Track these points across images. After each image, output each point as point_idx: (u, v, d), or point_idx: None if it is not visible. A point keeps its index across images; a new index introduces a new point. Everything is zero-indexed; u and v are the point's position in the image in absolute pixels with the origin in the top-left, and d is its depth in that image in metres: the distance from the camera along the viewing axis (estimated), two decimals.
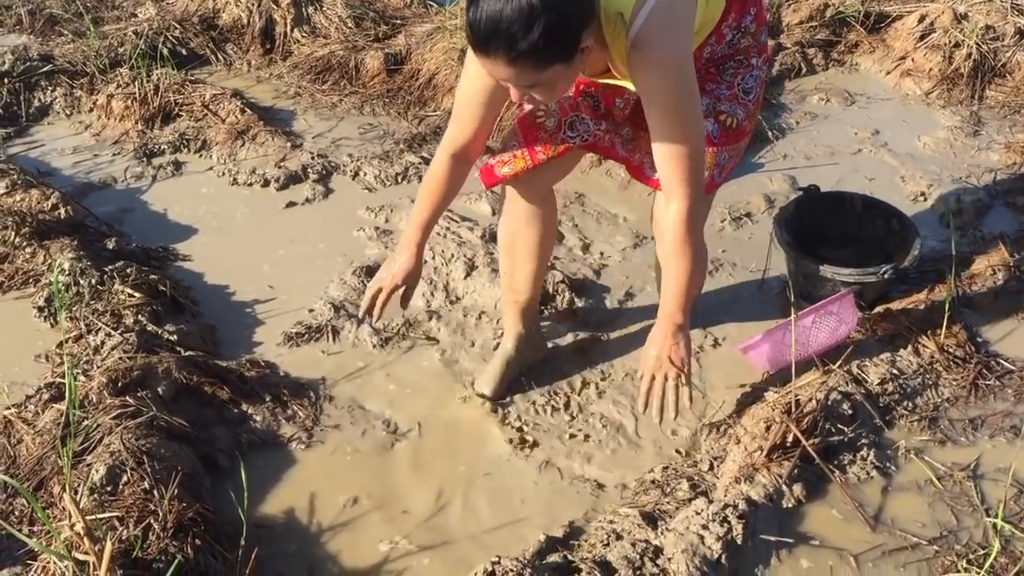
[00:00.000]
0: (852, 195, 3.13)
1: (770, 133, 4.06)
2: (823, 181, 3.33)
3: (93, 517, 1.99)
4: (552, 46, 1.81)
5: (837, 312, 2.54)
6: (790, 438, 2.19)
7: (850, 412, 2.30)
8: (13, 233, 3.28)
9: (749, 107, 2.34)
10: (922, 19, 4.68)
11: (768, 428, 2.22)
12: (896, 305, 2.85)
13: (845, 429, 2.26)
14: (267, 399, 2.67)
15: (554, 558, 2.02)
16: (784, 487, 2.13)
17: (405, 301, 2.41)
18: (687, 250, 2.13)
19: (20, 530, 2.20)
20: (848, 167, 3.84)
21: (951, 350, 2.61)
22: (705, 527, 1.98)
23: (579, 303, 2.99)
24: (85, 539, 1.68)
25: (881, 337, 2.65)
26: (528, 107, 2.31)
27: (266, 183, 3.97)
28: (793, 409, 2.22)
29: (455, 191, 2.39)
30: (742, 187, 3.71)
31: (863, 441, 2.26)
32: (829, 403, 2.29)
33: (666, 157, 2.03)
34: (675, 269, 2.17)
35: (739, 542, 1.97)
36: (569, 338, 2.87)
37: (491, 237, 3.28)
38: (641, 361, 2.29)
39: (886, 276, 2.72)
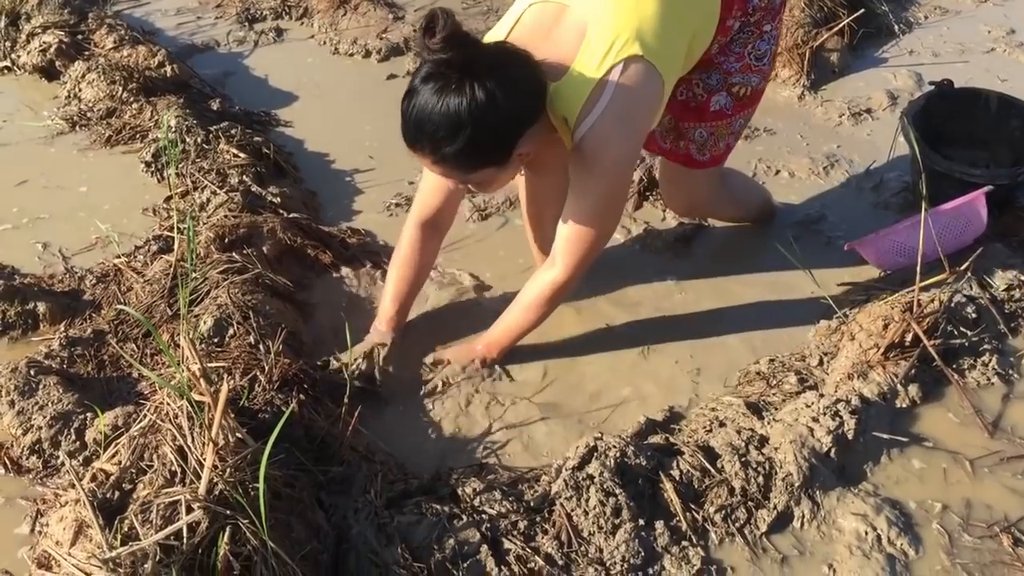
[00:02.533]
0: (987, 93, 2.92)
1: (896, 27, 3.82)
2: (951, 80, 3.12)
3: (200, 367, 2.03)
4: (478, 155, 1.78)
5: (967, 213, 2.40)
6: (909, 337, 2.10)
7: (974, 316, 2.19)
8: (121, 88, 3.30)
9: (764, 70, 2.23)
10: None
11: (886, 326, 2.13)
12: None
13: (968, 333, 2.15)
14: (368, 265, 2.66)
15: (656, 439, 2.00)
16: (899, 386, 2.05)
17: (384, 367, 2.25)
18: (540, 311, 2.18)
19: (129, 374, 2.27)
20: (979, 66, 3.61)
21: None
22: (815, 420, 1.92)
23: None
24: (202, 380, 1.70)
25: (1009, 242, 2.51)
26: None
27: (367, 54, 3.91)
28: (914, 309, 2.12)
29: (429, 263, 2.36)
30: (863, 82, 3.52)
31: (985, 347, 2.16)
32: (952, 305, 2.18)
33: (567, 232, 2.02)
34: (520, 317, 2.21)
35: (850, 437, 1.91)
36: None
37: None
38: (450, 350, 2.32)
39: (1021, 179, 2.55)
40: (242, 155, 2.95)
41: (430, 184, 2.22)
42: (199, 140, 3.00)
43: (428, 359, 2.31)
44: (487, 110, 1.71)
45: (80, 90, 3.45)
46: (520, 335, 2.26)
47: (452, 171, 1.85)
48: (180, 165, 2.91)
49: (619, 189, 2.02)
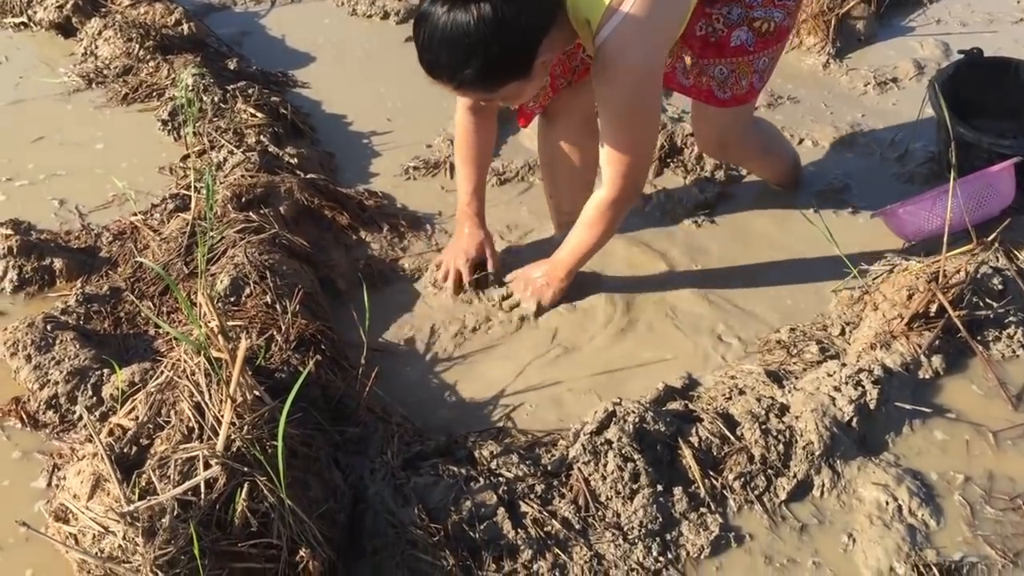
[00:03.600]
0: (1017, 62, 2.87)
1: None
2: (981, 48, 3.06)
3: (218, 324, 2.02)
4: (498, 72, 1.76)
5: (994, 184, 2.36)
6: (933, 308, 2.07)
7: (1000, 288, 2.15)
8: (138, 46, 3.27)
9: (788, 5, 2.16)
10: None
11: (911, 296, 2.10)
12: None
13: (993, 304, 2.12)
14: (385, 229, 2.64)
15: (674, 406, 1.98)
16: (923, 357, 2.02)
17: (493, 269, 2.39)
18: (599, 227, 2.18)
19: (146, 331, 2.26)
20: (1008, 37, 3.54)
21: None
22: (837, 389, 1.90)
23: (708, 158, 2.85)
24: (220, 337, 1.68)
25: None
26: None
27: (386, 16, 3.87)
28: (940, 279, 2.09)
29: (490, 142, 2.37)
30: (890, 50, 3.46)
31: (1011, 319, 2.12)
32: (979, 276, 2.14)
33: (610, 154, 2.01)
34: (582, 236, 2.22)
35: (872, 407, 1.88)
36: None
37: None
38: (519, 272, 2.39)
39: None
40: (259, 115, 2.93)
41: None
42: (216, 99, 2.97)
43: (494, 288, 2.38)
44: (498, 26, 1.68)
45: (96, 47, 3.43)
46: (583, 255, 2.26)
47: (476, 92, 1.85)
48: (197, 124, 2.89)
49: (645, 95, 1.94)
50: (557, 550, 1.66)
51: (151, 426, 1.70)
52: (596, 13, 1.80)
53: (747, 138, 2.49)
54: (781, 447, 1.82)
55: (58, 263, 2.37)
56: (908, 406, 1.92)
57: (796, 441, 1.83)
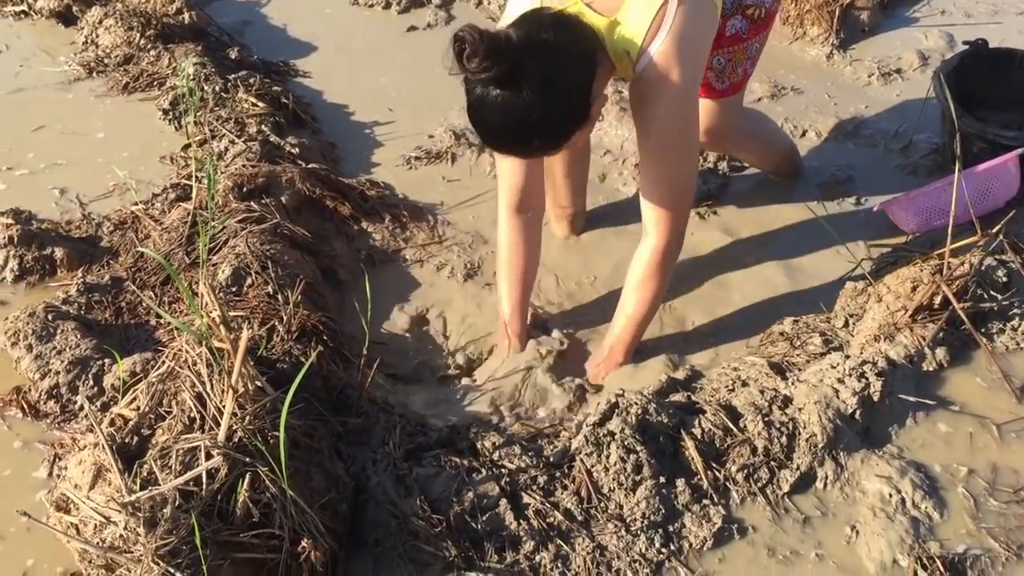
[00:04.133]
0: (1023, 53, 2.85)
1: None
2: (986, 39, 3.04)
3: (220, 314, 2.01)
4: (563, 131, 1.72)
5: (999, 175, 2.35)
6: (937, 300, 2.06)
7: (1004, 280, 2.14)
8: (138, 34, 3.26)
9: None
10: None
11: (915, 288, 2.09)
12: None
13: (998, 296, 2.11)
14: (386, 219, 2.63)
15: (677, 398, 1.97)
16: (927, 349, 2.01)
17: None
18: (652, 285, 2.07)
19: (147, 321, 2.26)
20: (1013, 28, 3.52)
21: None
22: (841, 381, 1.89)
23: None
24: (221, 327, 1.68)
25: None
26: None
27: (387, 5, 3.85)
28: (944, 271, 2.08)
29: (538, 253, 2.24)
30: (893, 41, 3.44)
31: (1015, 311, 2.11)
32: (983, 269, 2.13)
33: (652, 191, 1.95)
34: (635, 302, 2.10)
35: (875, 399, 1.88)
36: None
37: None
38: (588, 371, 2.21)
39: None
40: (260, 104, 2.92)
41: (512, 163, 2.07)
42: (217, 88, 2.96)
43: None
44: (551, 94, 1.64)
45: (97, 36, 3.41)
46: (640, 324, 2.13)
47: (546, 153, 1.81)
48: (198, 113, 2.88)
49: (689, 114, 1.90)
50: (559, 541, 1.66)
51: (152, 416, 1.69)
52: (634, 45, 1.78)
53: (743, 125, 2.49)
54: (784, 439, 1.82)
55: (59, 252, 2.36)
56: (912, 398, 1.92)
57: (799, 433, 1.82)
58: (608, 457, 1.75)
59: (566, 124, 1.72)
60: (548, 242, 2.33)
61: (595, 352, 2.23)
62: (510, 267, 2.19)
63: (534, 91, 1.62)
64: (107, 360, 2.00)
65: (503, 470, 1.76)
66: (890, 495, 1.74)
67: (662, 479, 1.74)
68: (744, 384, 2.00)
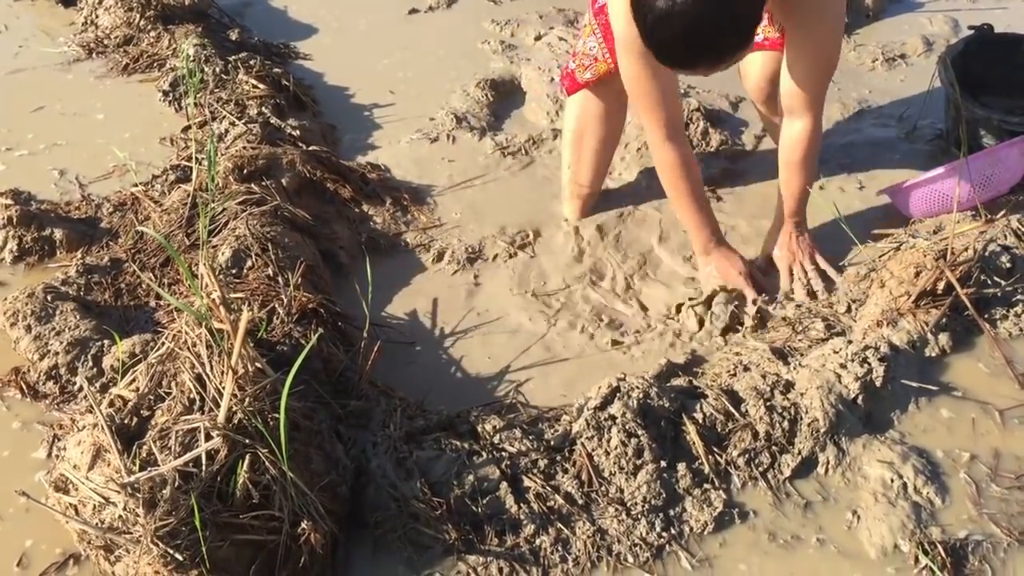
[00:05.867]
0: None
1: None
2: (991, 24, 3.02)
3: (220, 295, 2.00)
4: (750, 29, 1.73)
5: (1004, 161, 2.34)
6: (941, 286, 2.05)
7: (1008, 266, 2.13)
8: (138, 15, 3.24)
9: None
10: None
11: (918, 274, 2.08)
12: None
13: (1001, 282, 2.10)
14: (387, 202, 2.62)
15: (679, 382, 1.97)
16: (930, 335, 2.01)
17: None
18: (811, 164, 2.22)
19: (146, 303, 2.25)
20: (1018, 13, 3.50)
21: None
22: (843, 366, 1.88)
23: (714, 134, 2.83)
24: (221, 308, 1.67)
25: None
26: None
27: None
28: (947, 256, 2.07)
29: (697, 166, 2.28)
30: (898, 26, 3.42)
31: (1019, 297, 2.10)
32: (986, 254, 2.12)
33: (810, 77, 2.07)
34: (798, 179, 2.23)
35: (878, 384, 1.87)
36: None
37: None
38: (778, 262, 2.32)
39: None
40: (261, 86, 2.90)
41: (664, 93, 2.10)
42: (217, 70, 2.94)
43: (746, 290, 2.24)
44: None
45: (97, 16, 3.39)
46: (808, 192, 2.26)
47: (737, 54, 1.79)
48: (198, 95, 2.86)
49: (841, 27, 2.10)
50: (560, 525, 1.65)
51: (152, 397, 1.69)
52: None
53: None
54: (786, 424, 1.81)
55: (58, 233, 2.36)
56: (914, 384, 1.91)
57: (801, 418, 1.82)
58: (609, 441, 1.74)
59: (754, 18, 1.73)
60: (549, 241, 2.33)
61: (777, 242, 2.33)
62: (691, 186, 2.24)
63: None
64: (106, 341, 1.99)
65: (504, 453, 1.75)
66: (892, 480, 1.74)
67: (663, 463, 1.73)
68: (746, 369, 1.99)
